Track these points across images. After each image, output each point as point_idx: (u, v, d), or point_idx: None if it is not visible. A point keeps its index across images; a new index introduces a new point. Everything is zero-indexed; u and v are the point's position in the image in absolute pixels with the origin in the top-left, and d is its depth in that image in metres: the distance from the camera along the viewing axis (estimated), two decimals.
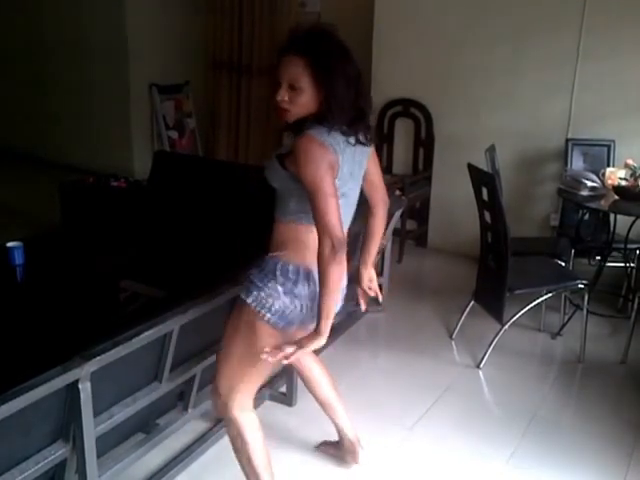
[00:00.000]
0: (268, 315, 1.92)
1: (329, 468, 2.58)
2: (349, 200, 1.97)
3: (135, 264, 2.81)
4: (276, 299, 1.91)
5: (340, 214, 1.80)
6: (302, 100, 1.84)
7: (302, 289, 1.93)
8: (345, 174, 1.88)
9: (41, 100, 6.58)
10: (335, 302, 1.86)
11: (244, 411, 2.08)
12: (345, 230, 1.89)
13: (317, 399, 2.49)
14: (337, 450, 2.60)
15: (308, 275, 1.93)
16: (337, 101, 1.83)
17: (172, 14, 6.02)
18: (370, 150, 2.06)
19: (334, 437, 2.62)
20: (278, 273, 1.92)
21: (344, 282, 2.02)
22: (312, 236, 1.87)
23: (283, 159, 1.89)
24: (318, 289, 1.84)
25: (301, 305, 1.94)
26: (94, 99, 6.22)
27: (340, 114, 1.84)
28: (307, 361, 2.44)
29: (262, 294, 1.92)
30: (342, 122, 1.85)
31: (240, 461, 2.13)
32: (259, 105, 6.07)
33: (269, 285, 1.91)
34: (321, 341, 1.82)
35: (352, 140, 1.88)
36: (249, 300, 1.94)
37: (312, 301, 1.94)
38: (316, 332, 1.82)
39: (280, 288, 1.91)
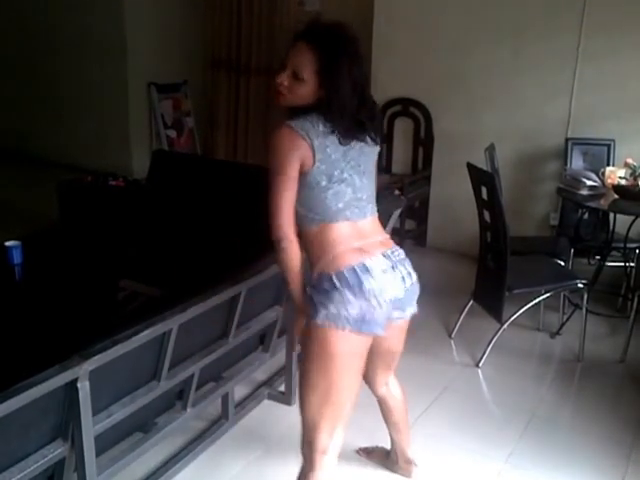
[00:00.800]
0: (348, 326, 1.84)
1: None
2: (355, 186, 1.91)
3: (134, 263, 2.80)
4: (351, 306, 1.83)
5: (288, 206, 1.82)
6: (301, 91, 1.84)
7: (370, 282, 1.85)
8: (333, 157, 1.85)
9: (40, 100, 6.57)
10: (290, 280, 1.92)
11: (324, 455, 1.97)
12: (367, 220, 1.96)
13: (386, 422, 2.42)
14: (386, 460, 2.54)
15: (366, 268, 1.86)
16: (339, 102, 1.81)
17: (171, 13, 6.02)
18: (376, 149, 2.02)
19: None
20: (338, 284, 1.83)
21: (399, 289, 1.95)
22: (335, 228, 1.89)
23: None
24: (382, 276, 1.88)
25: (377, 300, 1.85)
26: (93, 98, 6.21)
27: (341, 115, 1.82)
28: (392, 390, 2.34)
29: (332, 310, 1.84)
30: (340, 125, 1.83)
31: None
32: (258, 104, 6.07)
33: (335, 298, 1.83)
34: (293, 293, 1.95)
35: (345, 141, 1.86)
36: (319, 321, 1.85)
37: (383, 291, 1.87)
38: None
39: (348, 294, 1.83)
